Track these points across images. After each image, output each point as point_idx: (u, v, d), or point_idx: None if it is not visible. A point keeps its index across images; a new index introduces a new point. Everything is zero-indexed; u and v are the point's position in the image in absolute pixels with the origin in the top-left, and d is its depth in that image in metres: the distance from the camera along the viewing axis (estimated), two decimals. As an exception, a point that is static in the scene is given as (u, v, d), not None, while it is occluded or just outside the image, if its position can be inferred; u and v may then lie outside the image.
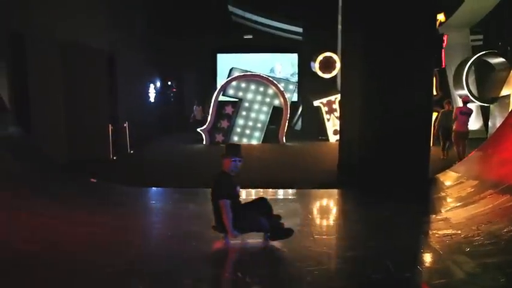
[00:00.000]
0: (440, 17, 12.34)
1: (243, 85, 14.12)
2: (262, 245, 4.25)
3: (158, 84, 16.52)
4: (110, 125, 10.66)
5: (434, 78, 9.36)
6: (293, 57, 21.70)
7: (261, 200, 4.41)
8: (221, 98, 14.14)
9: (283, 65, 21.96)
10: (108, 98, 11.21)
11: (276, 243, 4.23)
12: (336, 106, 14.20)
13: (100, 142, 10.40)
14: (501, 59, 13.32)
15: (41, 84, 8.37)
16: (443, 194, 6.67)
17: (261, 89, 14.16)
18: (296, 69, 21.63)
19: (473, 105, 14.37)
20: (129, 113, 12.30)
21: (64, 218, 5.15)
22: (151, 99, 15.52)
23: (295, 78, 20.81)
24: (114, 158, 10.60)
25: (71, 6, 9.50)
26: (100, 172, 8.23)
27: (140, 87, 14.67)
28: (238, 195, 4.34)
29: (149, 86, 15.37)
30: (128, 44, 13.16)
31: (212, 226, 4.34)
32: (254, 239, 4.30)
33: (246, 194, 7.06)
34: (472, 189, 6.14)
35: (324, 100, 14.74)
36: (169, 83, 18.39)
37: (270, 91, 14.18)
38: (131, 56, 13.17)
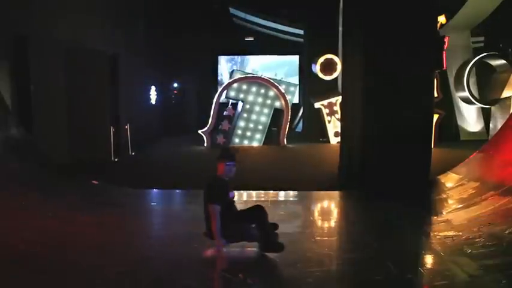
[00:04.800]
0: (441, 19, 12.37)
1: (244, 87, 14.14)
2: (255, 254, 4.07)
3: (160, 86, 16.55)
4: (111, 127, 10.68)
5: (435, 80, 9.37)
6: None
7: (257, 209, 4.14)
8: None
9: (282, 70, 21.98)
10: (110, 99, 11.23)
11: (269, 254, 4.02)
12: (337, 108, 14.20)
13: (102, 144, 10.41)
14: (502, 61, 13.33)
15: (44, 85, 8.39)
16: (444, 195, 6.67)
17: (262, 91, 14.17)
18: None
19: (474, 107, 14.41)
20: (130, 114, 12.33)
21: (65, 219, 5.17)
22: (153, 101, 15.55)
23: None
24: (116, 159, 10.61)
25: (73, 8, 9.54)
26: (102, 174, 8.25)
27: (142, 89, 14.70)
28: (232, 201, 4.19)
29: (151, 88, 15.41)
30: (130, 46, 13.19)
31: (203, 232, 4.18)
32: (250, 248, 4.15)
33: (247, 196, 7.07)
34: (474, 191, 6.12)
35: (325, 102, 14.75)
36: (171, 85, 18.42)
37: (271, 93, 14.19)
38: (133, 58, 13.20)
